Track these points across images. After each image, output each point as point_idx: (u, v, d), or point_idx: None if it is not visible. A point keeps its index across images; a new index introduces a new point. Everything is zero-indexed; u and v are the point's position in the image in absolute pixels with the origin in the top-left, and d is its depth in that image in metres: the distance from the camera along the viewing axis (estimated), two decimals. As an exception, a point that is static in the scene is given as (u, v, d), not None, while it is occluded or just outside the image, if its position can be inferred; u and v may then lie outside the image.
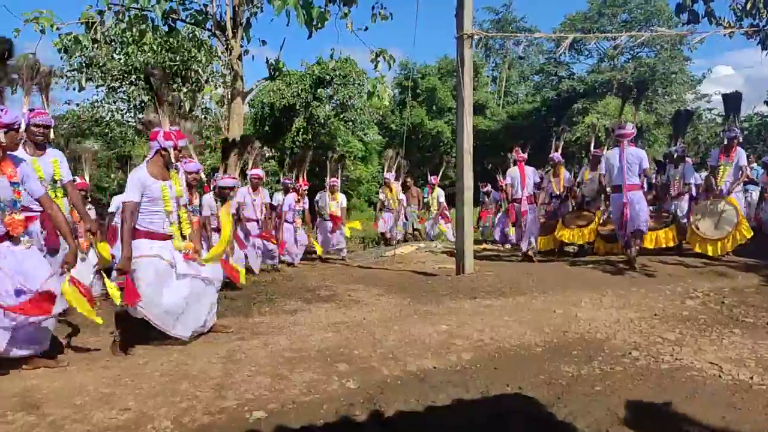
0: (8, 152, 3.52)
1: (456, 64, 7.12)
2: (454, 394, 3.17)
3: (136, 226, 4.09)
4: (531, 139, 10.23)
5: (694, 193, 8.38)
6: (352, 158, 24.93)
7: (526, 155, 8.50)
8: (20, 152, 4.02)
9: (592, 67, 35.06)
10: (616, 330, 4.38)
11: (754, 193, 9.94)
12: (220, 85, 16.34)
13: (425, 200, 12.65)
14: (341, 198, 9.74)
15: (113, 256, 5.59)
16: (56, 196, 4.58)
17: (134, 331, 4.13)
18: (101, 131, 17.48)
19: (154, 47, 15.26)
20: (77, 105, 18.00)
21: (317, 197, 10.16)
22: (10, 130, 3.44)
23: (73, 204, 4.69)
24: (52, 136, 4.70)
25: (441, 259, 8.90)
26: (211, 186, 7.34)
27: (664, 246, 7.98)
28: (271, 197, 9.15)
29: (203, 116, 18.11)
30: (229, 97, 11.07)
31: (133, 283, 3.95)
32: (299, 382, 3.36)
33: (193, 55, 15.93)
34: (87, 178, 6.58)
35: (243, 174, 8.14)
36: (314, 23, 8.56)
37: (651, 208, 8.50)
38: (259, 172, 7.96)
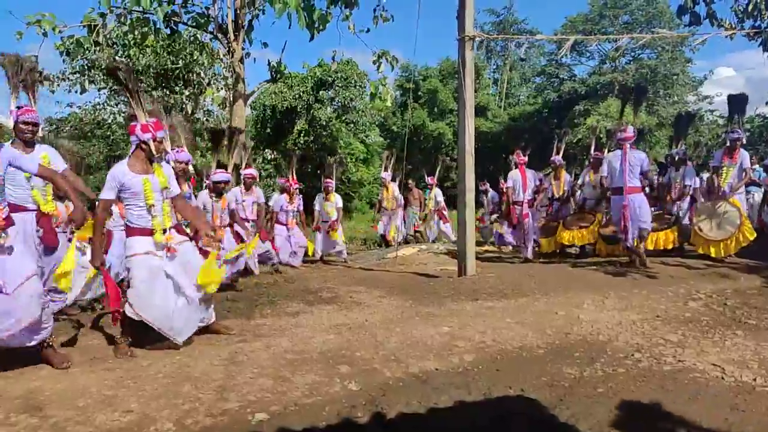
0: None
1: (457, 66, 7.13)
2: (456, 395, 3.17)
3: (128, 224, 4.09)
4: (532, 141, 10.25)
5: (693, 194, 8.40)
6: (353, 160, 24.94)
7: (526, 158, 8.54)
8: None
9: (593, 69, 35.04)
10: (619, 332, 4.38)
11: (757, 195, 9.92)
12: (221, 88, 16.35)
13: (426, 202, 12.68)
14: (336, 198, 9.72)
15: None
16: (46, 192, 4.55)
17: (137, 333, 4.13)
18: (103, 134, 17.48)
19: (156, 50, 15.29)
20: (79, 108, 18.03)
21: (315, 200, 10.17)
22: None
23: (70, 189, 4.53)
24: (40, 133, 4.68)
25: (443, 261, 8.90)
26: (203, 184, 7.38)
27: (664, 248, 7.99)
28: (267, 199, 9.14)
29: (205, 119, 18.14)
30: (231, 99, 11.08)
31: (118, 287, 4.00)
32: (301, 384, 3.36)
33: (194, 57, 15.97)
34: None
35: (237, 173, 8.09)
36: (316, 26, 8.59)
37: (653, 209, 8.52)
38: (253, 171, 7.91)
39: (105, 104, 17.74)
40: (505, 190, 8.79)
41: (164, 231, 4.10)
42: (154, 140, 4.02)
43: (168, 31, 9.83)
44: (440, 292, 6.23)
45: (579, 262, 7.97)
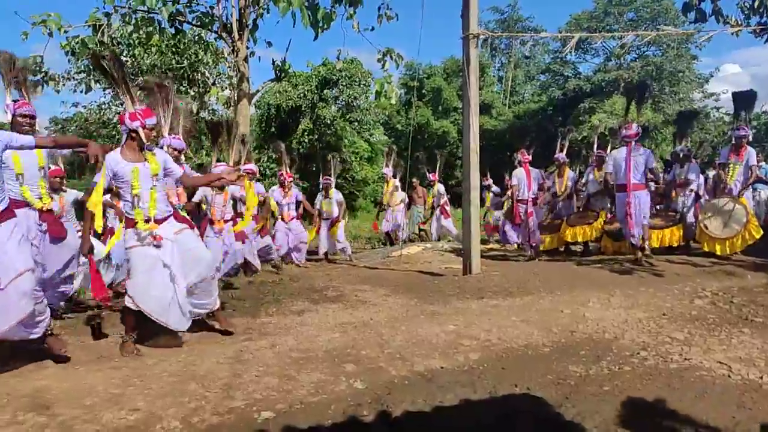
0: None
1: (462, 64, 7.12)
2: (461, 394, 3.17)
3: (126, 216, 4.09)
4: (537, 138, 10.21)
5: (697, 191, 8.39)
6: (357, 159, 24.95)
7: (530, 157, 8.56)
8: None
9: (598, 67, 34.94)
10: (625, 330, 4.37)
11: (763, 192, 9.87)
12: (226, 87, 16.40)
13: (433, 201, 12.69)
14: (335, 194, 9.71)
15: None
16: (39, 187, 4.51)
17: (142, 332, 4.14)
18: (108, 133, 17.55)
19: (161, 49, 15.33)
20: (84, 107, 18.11)
21: (316, 198, 10.20)
22: None
23: (71, 142, 4.37)
24: (37, 127, 4.69)
25: (447, 259, 8.89)
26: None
27: (670, 245, 7.99)
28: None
29: (210, 118, 18.17)
30: (236, 98, 11.10)
31: (102, 277, 4.02)
32: (307, 382, 3.37)
33: (199, 57, 16.01)
34: (62, 165, 6.61)
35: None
36: (320, 24, 8.60)
37: (658, 207, 8.54)
38: (253, 166, 7.89)
39: (110, 104, 17.81)
40: (510, 188, 8.79)
41: (147, 220, 4.03)
42: (144, 128, 3.98)
43: (173, 30, 9.86)
44: (445, 290, 6.23)
45: (584, 260, 7.96)
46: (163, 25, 9.54)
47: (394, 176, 11.46)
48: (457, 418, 2.92)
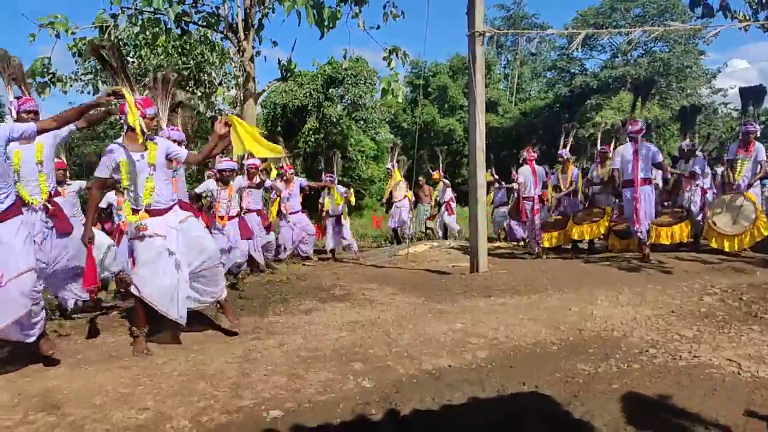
0: None
1: (468, 62, 7.10)
2: (469, 392, 3.17)
3: (132, 207, 4.07)
4: (544, 135, 10.20)
5: (702, 185, 8.40)
6: (364, 158, 24.98)
7: (535, 154, 8.60)
8: (13, 145, 3.94)
9: (605, 63, 34.82)
10: (633, 327, 4.35)
11: (772, 189, 9.80)
12: (232, 87, 16.43)
13: (436, 198, 12.70)
14: (337, 189, 9.73)
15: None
16: (38, 183, 4.49)
17: (153, 330, 4.16)
18: (116, 134, 17.63)
19: (168, 50, 15.38)
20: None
21: (321, 197, 10.23)
22: None
23: (71, 114, 4.21)
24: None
25: (454, 258, 8.87)
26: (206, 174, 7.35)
27: (679, 241, 7.96)
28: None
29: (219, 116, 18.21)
30: (242, 98, 11.12)
31: (93, 267, 4.04)
32: (315, 381, 3.38)
33: (205, 57, 16.04)
34: (64, 158, 6.63)
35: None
36: (326, 24, 8.59)
37: (666, 204, 8.53)
38: (256, 161, 7.88)
39: (117, 104, 17.86)
40: (517, 186, 8.79)
41: (136, 211, 4.02)
42: (144, 117, 3.95)
43: (179, 31, 9.88)
44: (452, 288, 6.22)
45: (592, 258, 7.93)
46: (169, 26, 9.56)
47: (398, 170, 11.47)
48: (466, 417, 2.92)
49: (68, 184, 5.94)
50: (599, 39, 33.73)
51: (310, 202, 10.86)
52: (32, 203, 4.40)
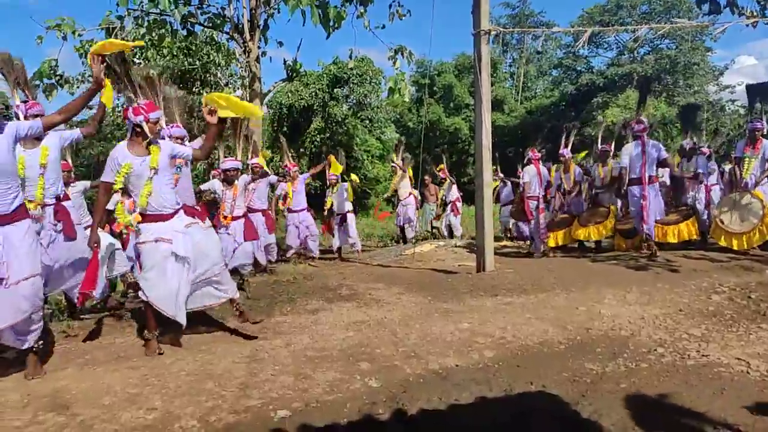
0: None
1: (473, 61, 7.08)
2: (477, 392, 3.16)
3: (138, 212, 4.07)
4: (550, 134, 10.18)
5: (707, 183, 8.41)
6: (369, 157, 24.98)
7: (540, 154, 8.64)
8: (18, 150, 3.94)
9: (611, 60, 34.66)
10: (641, 326, 4.34)
11: (780, 185, 9.73)
12: (238, 88, 16.46)
13: (442, 197, 12.70)
14: (341, 187, 9.75)
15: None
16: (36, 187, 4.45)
17: (163, 328, 4.17)
18: (122, 135, 17.70)
19: (173, 51, 15.43)
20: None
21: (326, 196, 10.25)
22: None
23: (76, 104, 3.97)
24: None
25: (461, 257, 8.86)
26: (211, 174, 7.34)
27: (687, 239, 7.96)
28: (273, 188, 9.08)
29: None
30: (248, 98, 11.14)
31: (95, 270, 4.03)
32: (322, 381, 3.38)
33: (211, 58, 16.09)
34: (70, 160, 6.66)
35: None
36: (331, 23, 8.60)
37: (674, 202, 8.51)
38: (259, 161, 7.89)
39: (123, 105, 17.95)
40: (523, 185, 8.79)
41: (131, 212, 4.04)
42: (147, 122, 3.95)
43: (185, 32, 9.92)
44: (459, 288, 6.22)
45: (599, 257, 7.91)
46: (175, 27, 9.61)
47: (403, 170, 11.46)
48: (473, 416, 2.92)
49: (72, 185, 5.97)
50: (605, 36, 33.60)
51: (316, 201, 10.88)
52: (29, 208, 4.41)
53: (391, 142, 27.51)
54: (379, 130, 26.44)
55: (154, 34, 9.87)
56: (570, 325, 4.47)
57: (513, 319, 4.68)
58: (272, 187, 8.59)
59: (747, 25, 7.56)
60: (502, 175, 12.70)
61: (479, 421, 2.87)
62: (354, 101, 24.09)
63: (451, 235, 12.22)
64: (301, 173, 9.10)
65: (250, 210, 7.43)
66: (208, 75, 16.47)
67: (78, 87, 13.29)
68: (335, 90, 23.22)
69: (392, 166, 11.33)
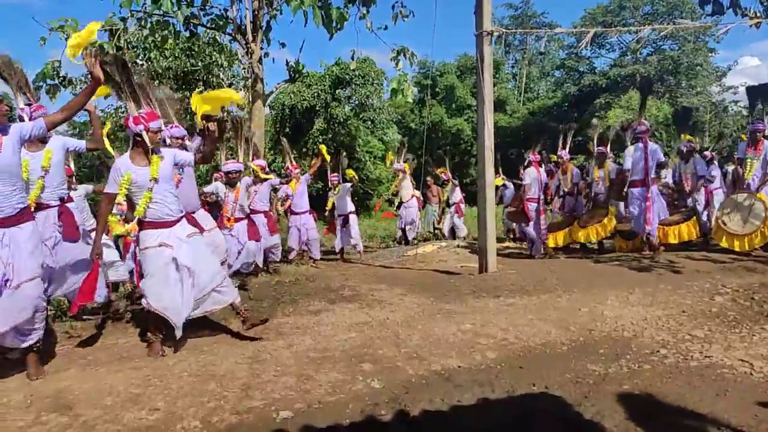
0: None
1: (476, 62, 7.08)
2: (479, 393, 3.16)
3: (139, 219, 4.06)
4: (553, 134, 10.16)
5: (706, 185, 8.48)
6: (371, 158, 24.99)
7: (539, 156, 8.79)
8: (23, 153, 3.89)
9: (614, 61, 34.64)
10: (644, 328, 4.33)
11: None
12: (241, 89, 16.48)
13: (446, 199, 12.70)
14: (342, 188, 9.75)
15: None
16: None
17: (166, 331, 4.18)
18: (125, 136, 17.75)
19: (176, 53, 15.47)
20: (102, 111, 18.31)
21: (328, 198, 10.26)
22: None
23: (79, 100, 3.90)
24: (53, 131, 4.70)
25: (463, 258, 8.86)
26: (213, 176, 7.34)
27: (687, 240, 8.00)
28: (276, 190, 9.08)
29: (225, 119, 18.28)
30: (250, 99, 11.15)
31: (94, 282, 4.02)
32: (324, 382, 3.38)
33: (214, 59, 16.12)
34: (72, 165, 6.68)
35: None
36: (334, 25, 8.60)
37: (675, 202, 8.57)
38: (262, 162, 7.87)
39: (127, 107, 17.97)
40: (524, 187, 8.80)
41: (127, 221, 4.05)
42: (148, 131, 3.96)
43: (187, 33, 9.93)
44: (461, 289, 6.21)
45: (602, 258, 7.91)
46: (178, 29, 9.61)
47: (404, 172, 11.45)
48: (475, 418, 2.91)
49: (74, 189, 5.98)
50: (608, 37, 33.59)
51: (319, 203, 10.88)
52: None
53: (393, 143, 27.55)
54: (382, 131, 26.45)
55: (157, 36, 9.88)
56: (573, 326, 4.47)
57: (515, 321, 4.68)
58: (274, 189, 8.59)
59: (750, 26, 7.55)
60: (504, 177, 12.71)
61: (481, 422, 2.87)
62: (356, 102, 24.11)
63: (453, 236, 12.21)
64: (303, 174, 9.09)
65: (252, 212, 7.44)
66: (210, 76, 16.50)
67: (80, 88, 13.33)
68: (337, 91, 23.23)
69: (395, 169, 11.31)
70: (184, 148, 5.43)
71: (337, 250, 10.06)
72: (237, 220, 6.93)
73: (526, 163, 8.73)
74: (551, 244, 8.82)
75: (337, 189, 9.79)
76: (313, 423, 2.84)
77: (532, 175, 8.57)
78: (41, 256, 3.73)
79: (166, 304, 3.97)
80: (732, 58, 73.03)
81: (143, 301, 4.04)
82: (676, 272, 6.45)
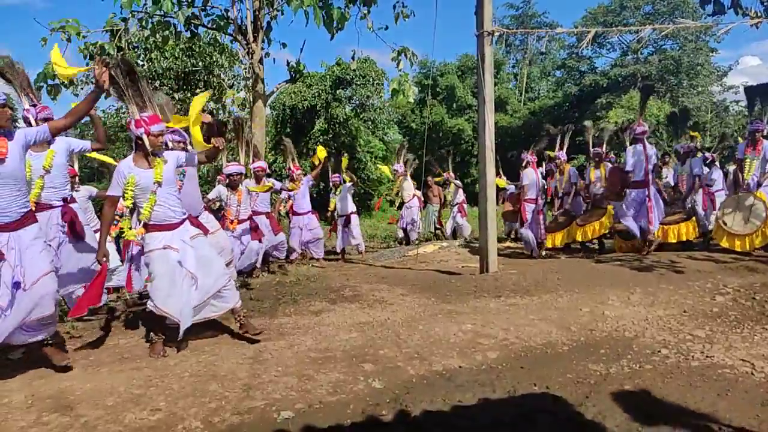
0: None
1: (477, 62, 7.08)
2: (480, 393, 3.16)
3: (145, 221, 4.06)
4: (551, 135, 10.16)
5: (703, 185, 8.55)
6: (372, 158, 24.99)
7: (536, 157, 8.85)
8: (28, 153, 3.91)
9: (615, 61, 34.61)
10: (645, 327, 4.33)
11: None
12: (241, 89, 16.51)
13: (449, 201, 12.69)
14: (343, 188, 9.77)
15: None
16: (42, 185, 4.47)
17: (168, 332, 4.18)
18: (126, 137, 17.76)
19: (177, 53, 15.48)
20: (103, 111, 18.33)
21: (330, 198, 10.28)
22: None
23: (82, 106, 3.88)
24: None
25: (464, 258, 8.87)
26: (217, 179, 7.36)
27: (686, 239, 8.04)
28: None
29: (225, 120, 18.31)
30: (251, 100, 11.16)
31: (101, 286, 4.05)
32: (325, 382, 3.39)
33: (214, 59, 16.14)
34: (75, 166, 6.68)
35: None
36: (335, 25, 8.60)
37: (674, 202, 8.61)
38: (262, 164, 7.89)
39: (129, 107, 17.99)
40: (523, 188, 8.81)
41: (130, 228, 4.08)
42: (149, 135, 3.96)
43: (188, 34, 9.93)
44: (462, 289, 6.21)
45: (602, 258, 7.91)
46: (179, 29, 9.61)
47: (405, 174, 11.45)
48: (476, 418, 2.91)
49: (77, 190, 5.98)
50: (609, 37, 33.55)
51: (320, 204, 10.90)
52: None
53: (394, 143, 27.53)
54: (382, 132, 26.46)
55: (157, 36, 9.88)
56: (574, 326, 4.47)
57: (516, 321, 4.68)
58: (275, 191, 8.61)
59: (751, 26, 7.55)
60: (505, 177, 12.70)
61: (483, 422, 2.87)
62: (357, 102, 24.12)
63: (455, 236, 12.21)
64: (305, 175, 9.09)
65: (254, 213, 7.47)
66: (211, 76, 16.53)
67: (82, 88, 13.36)
68: (338, 91, 23.24)
69: (394, 171, 11.31)
70: (185, 151, 5.44)
71: (338, 250, 10.09)
72: (240, 221, 6.96)
73: (524, 164, 8.74)
74: (549, 244, 8.85)
75: (338, 189, 9.82)
76: (314, 423, 2.84)
77: (530, 177, 8.59)
78: (50, 253, 3.75)
79: (173, 306, 3.97)
80: (733, 58, 73.09)
81: (148, 303, 4.04)
82: (678, 272, 6.44)
